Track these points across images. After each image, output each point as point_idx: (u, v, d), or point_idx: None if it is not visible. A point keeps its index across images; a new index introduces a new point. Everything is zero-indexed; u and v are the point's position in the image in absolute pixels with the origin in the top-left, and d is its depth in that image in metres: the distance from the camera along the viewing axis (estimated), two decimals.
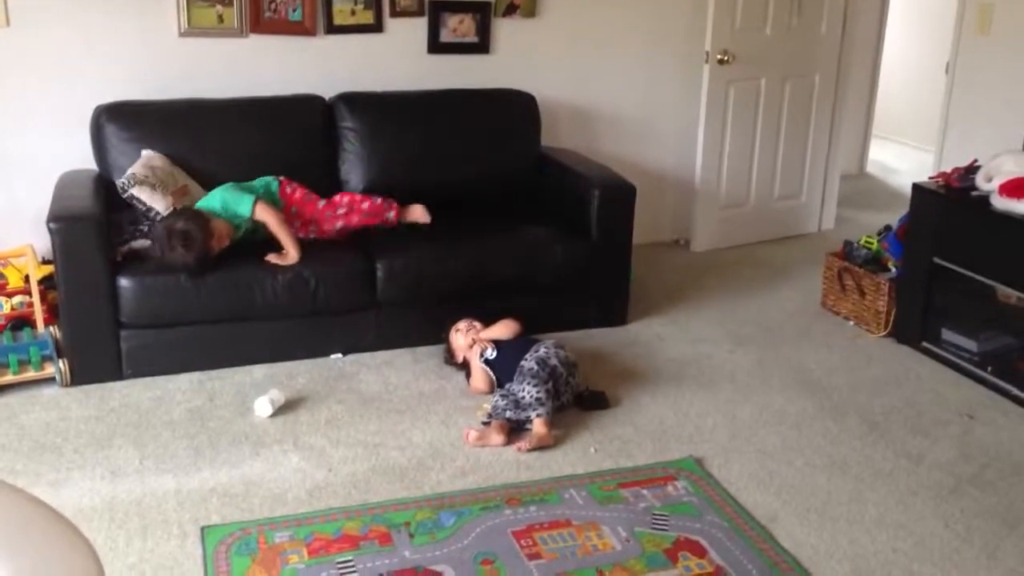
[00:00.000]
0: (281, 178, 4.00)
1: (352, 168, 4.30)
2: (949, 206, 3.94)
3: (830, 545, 2.79)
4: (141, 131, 4.03)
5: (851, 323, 4.40)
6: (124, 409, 3.50)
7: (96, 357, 3.66)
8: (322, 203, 3.99)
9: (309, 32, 4.47)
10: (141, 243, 3.71)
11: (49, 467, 3.12)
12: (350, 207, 4.00)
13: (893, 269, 4.25)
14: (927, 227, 4.03)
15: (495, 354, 3.64)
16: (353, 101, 4.37)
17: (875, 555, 2.75)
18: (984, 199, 3.76)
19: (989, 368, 3.79)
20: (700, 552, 2.75)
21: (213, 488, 3.02)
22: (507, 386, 3.50)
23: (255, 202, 3.76)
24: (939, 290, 4.01)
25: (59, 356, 3.64)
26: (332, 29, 4.52)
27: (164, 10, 4.26)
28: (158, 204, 3.73)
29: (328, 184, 4.23)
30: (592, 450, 3.29)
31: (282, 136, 4.25)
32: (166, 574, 2.62)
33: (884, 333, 4.23)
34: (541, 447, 3.27)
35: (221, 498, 2.97)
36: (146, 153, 3.93)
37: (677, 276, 4.98)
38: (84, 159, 4.14)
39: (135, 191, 3.74)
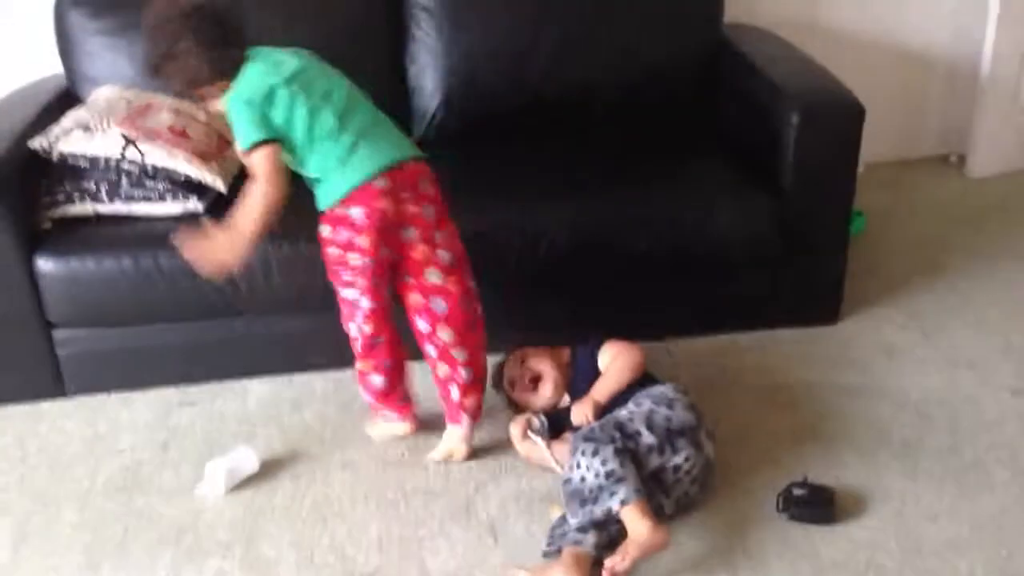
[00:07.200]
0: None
1: (423, 70, 2.90)
2: None
3: None
4: (115, 20, 2.79)
5: None
6: (40, 455, 2.38)
7: (26, 370, 2.54)
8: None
9: None
10: (79, 208, 2.50)
11: None
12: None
13: None
14: None
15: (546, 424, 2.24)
16: None
17: None
18: None
19: None
20: None
21: None
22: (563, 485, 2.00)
23: (256, 145, 1.99)
24: None
25: None
26: None
27: None
28: (101, 146, 2.47)
29: (391, 94, 2.79)
30: None
31: (322, 21, 2.86)
32: None
33: None
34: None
35: None
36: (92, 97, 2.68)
37: (936, 223, 3.25)
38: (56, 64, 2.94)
39: (63, 147, 2.46)
